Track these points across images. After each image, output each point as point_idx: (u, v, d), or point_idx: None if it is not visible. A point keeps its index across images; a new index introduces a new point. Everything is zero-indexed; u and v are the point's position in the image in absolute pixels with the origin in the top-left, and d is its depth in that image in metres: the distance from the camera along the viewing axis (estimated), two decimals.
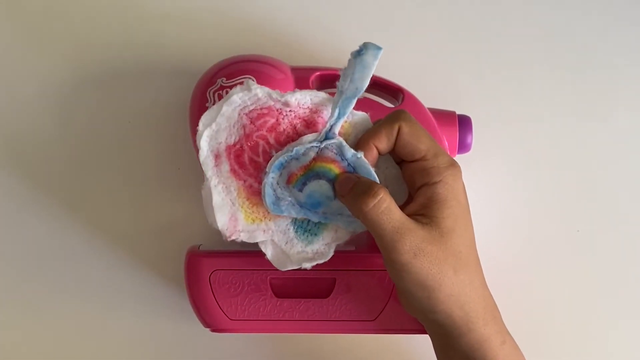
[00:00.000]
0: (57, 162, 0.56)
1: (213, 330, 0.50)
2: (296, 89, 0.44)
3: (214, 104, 0.45)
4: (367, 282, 0.49)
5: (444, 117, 0.52)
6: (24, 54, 0.57)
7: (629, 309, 0.56)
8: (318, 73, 0.51)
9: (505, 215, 0.56)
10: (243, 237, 0.45)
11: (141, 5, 0.57)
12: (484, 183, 0.56)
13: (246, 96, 0.43)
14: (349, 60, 0.42)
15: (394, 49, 0.56)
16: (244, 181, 0.45)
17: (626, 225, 0.57)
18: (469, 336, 0.43)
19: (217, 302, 0.49)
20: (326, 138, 0.43)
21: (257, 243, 0.45)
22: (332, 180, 0.44)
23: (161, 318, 0.56)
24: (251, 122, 0.44)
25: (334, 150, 0.43)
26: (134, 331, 0.56)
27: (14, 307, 0.56)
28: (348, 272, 0.49)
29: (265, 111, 0.44)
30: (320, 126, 0.44)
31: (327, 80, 0.51)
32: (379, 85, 0.52)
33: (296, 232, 0.46)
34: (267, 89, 0.43)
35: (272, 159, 0.44)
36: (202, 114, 0.44)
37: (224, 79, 0.49)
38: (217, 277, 0.49)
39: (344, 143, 0.43)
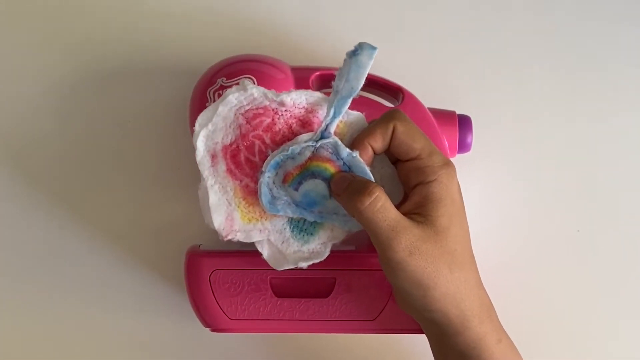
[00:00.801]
0: (57, 162, 0.56)
1: (213, 330, 0.50)
2: (292, 89, 0.44)
3: None
4: (367, 282, 0.49)
5: (444, 117, 0.52)
6: (24, 53, 0.57)
7: (629, 309, 0.56)
8: (318, 73, 0.51)
9: (505, 215, 0.56)
10: (239, 237, 0.45)
11: (141, 5, 0.57)
12: (484, 183, 0.56)
13: (242, 96, 0.44)
14: (345, 60, 0.42)
15: (394, 48, 0.56)
16: (240, 181, 0.45)
17: (626, 225, 0.57)
18: (464, 335, 0.43)
19: (217, 301, 0.49)
20: (322, 137, 0.44)
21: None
22: (328, 180, 0.44)
23: (161, 318, 0.56)
24: (247, 122, 0.44)
25: (330, 150, 0.44)
26: (134, 331, 0.56)
27: (14, 307, 0.56)
28: (348, 272, 0.49)
29: (261, 111, 0.44)
30: (315, 126, 0.45)
31: (327, 80, 0.51)
32: (379, 85, 0.52)
33: (292, 231, 0.46)
34: (262, 89, 0.44)
35: (268, 158, 0.44)
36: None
37: (224, 78, 0.49)
38: (217, 277, 0.49)
39: (340, 142, 0.43)
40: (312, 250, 0.46)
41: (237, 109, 0.44)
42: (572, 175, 0.57)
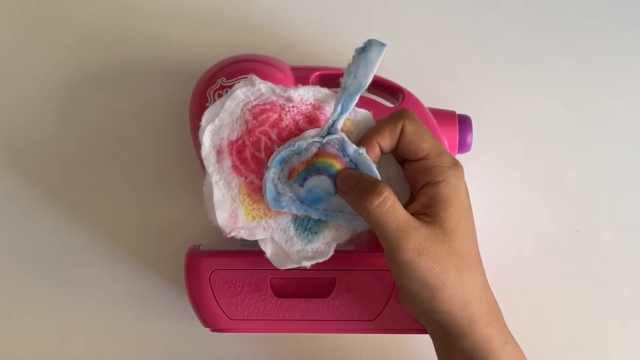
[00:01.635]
0: (57, 162, 0.56)
1: (213, 330, 0.50)
2: (299, 85, 0.44)
3: None
4: (367, 281, 0.49)
5: (444, 117, 0.52)
6: (23, 53, 0.57)
7: (629, 309, 0.56)
8: (318, 73, 0.51)
9: (505, 215, 0.56)
10: (243, 234, 0.45)
11: (141, 5, 0.57)
12: (484, 183, 0.56)
13: (249, 91, 0.44)
14: (353, 56, 0.42)
15: (394, 48, 0.56)
16: (245, 177, 0.45)
17: (626, 225, 0.57)
18: (471, 336, 0.43)
19: (217, 301, 0.49)
20: (328, 133, 0.43)
21: (256, 242, 0.45)
22: (333, 176, 0.44)
23: (161, 318, 0.56)
24: (254, 118, 0.44)
25: (336, 146, 0.43)
26: (134, 331, 0.56)
27: (13, 307, 0.56)
28: (348, 272, 0.49)
29: (268, 106, 0.44)
30: (322, 122, 0.45)
31: (327, 80, 0.51)
32: (379, 85, 0.52)
33: (296, 230, 0.45)
34: (270, 84, 0.44)
35: (274, 153, 0.44)
36: (202, 114, 0.44)
37: (224, 78, 0.49)
38: (217, 277, 0.49)
39: (346, 138, 0.43)
40: (316, 249, 0.46)
41: (244, 105, 0.44)
42: (572, 175, 0.57)
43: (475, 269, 0.43)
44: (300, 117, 0.45)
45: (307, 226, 0.45)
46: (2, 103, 0.56)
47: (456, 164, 0.43)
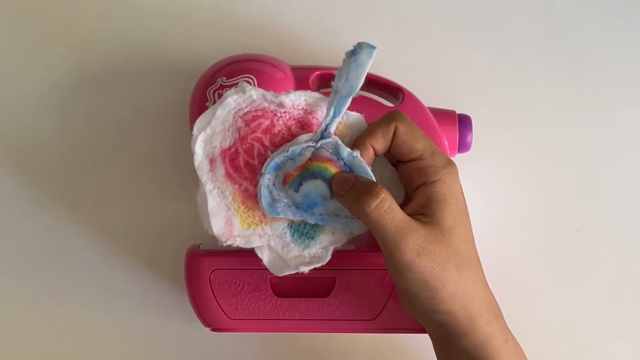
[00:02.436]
0: (56, 161, 0.56)
1: (213, 330, 0.50)
2: (290, 90, 0.44)
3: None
4: (367, 281, 0.49)
5: (444, 116, 0.52)
6: (23, 53, 0.57)
7: (629, 309, 0.56)
8: (318, 72, 0.51)
9: (505, 215, 0.56)
10: (239, 242, 0.44)
11: (141, 5, 0.57)
12: (484, 183, 0.56)
13: (240, 98, 0.43)
14: (344, 59, 0.42)
15: (394, 48, 0.56)
16: (239, 185, 0.45)
17: (626, 225, 0.57)
18: (472, 335, 0.43)
19: (217, 301, 0.49)
20: (322, 137, 0.43)
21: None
22: (328, 180, 0.44)
23: (161, 318, 0.56)
24: (246, 125, 0.44)
25: (330, 150, 0.43)
26: (133, 331, 0.56)
27: (13, 307, 0.56)
28: (348, 272, 0.49)
29: (259, 113, 0.44)
30: (314, 127, 0.44)
31: (327, 80, 0.51)
32: (379, 85, 0.52)
33: (292, 236, 0.45)
34: (261, 91, 0.43)
35: (268, 159, 0.44)
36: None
37: (224, 78, 0.49)
38: (217, 277, 0.49)
39: (340, 142, 0.43)
40: (313, 254, 0.45)
41: (235, 112, 0.44)
42: (572, 175, 0.57)
43: (474, 267, 0.43)
44: (293, 123, 0.44)
45: (303, 231, 0.45)
46: (2, 103, 0.56)
47: (450, 163, 0.43)
